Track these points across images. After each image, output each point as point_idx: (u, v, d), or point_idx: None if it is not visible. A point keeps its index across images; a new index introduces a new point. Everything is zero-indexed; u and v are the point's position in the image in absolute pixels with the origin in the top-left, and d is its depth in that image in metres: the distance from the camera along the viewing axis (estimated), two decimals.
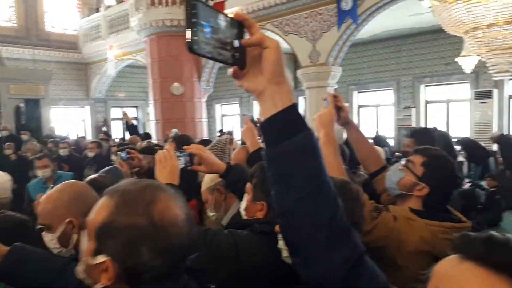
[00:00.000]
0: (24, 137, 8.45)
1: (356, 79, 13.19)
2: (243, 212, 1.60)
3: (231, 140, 3.06)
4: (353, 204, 1.16)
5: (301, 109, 14.82)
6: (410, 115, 12.06)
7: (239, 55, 0.74)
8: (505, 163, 7.94)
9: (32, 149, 7.71)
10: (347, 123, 1.81)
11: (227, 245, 1.23)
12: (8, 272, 1.19)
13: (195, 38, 0.66)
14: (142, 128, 15.50)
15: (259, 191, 1.41)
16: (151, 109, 10.87)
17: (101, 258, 0.79)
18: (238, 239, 1.26)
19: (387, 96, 12.93)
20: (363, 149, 1.86)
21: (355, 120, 13.05)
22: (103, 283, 0.79)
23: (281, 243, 1.09)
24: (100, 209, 0.82)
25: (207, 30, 0.67)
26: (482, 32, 2.95)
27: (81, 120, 15.11)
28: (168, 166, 1.51)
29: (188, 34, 0.65)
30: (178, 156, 1.60)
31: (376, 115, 13.41)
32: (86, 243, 0.84)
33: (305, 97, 12.19)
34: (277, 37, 9.10)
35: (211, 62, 10.31)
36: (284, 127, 0.75)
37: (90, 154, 6.47)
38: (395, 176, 1.61)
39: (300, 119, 0.78)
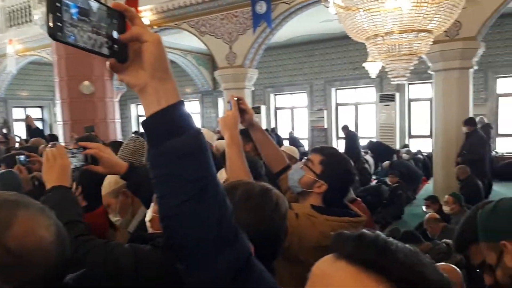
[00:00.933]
0: None
1: (272, 82, 13.53)
2: (148, 224, 1.52)
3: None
4: (273, 213, 1.11)
5: (220, 111, 14.83)
6: (323, 117, 12.71)
7: (118, 48, 0.69)
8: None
9: None
10: (251, 125, 1.83)
11: (126, 262, 1.14)
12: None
13: (59, 24, 0.58)
14: (49, 130, 14.38)
15: None
16: (58, 110, 10.10)
17: None
18: (139, 254, 1.17)
19: (301, 99, 13.45)
20: (268, 150, 1.90)
21: (272, 122, 13.40)
22: None
23: None
24: None
25: (75, 16, 0.60)
26: (382, 39, 3.16)
27: None
28: (57, 165, 1.34)
29: (50, 19, 0.58)
30: (72, 155, 1.45)
31: (292, 117, 13.89)
32: None
33: (223, 98, 12.23)
34: (193, 38, 8.99)
35: None
36: (168, 126, 0.71)
37: None
38: (296, 175, 1.67)
39: (186, 118, 0.74)
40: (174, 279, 1.10)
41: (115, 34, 0.68)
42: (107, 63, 0.72)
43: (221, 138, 7.50)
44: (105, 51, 0.67)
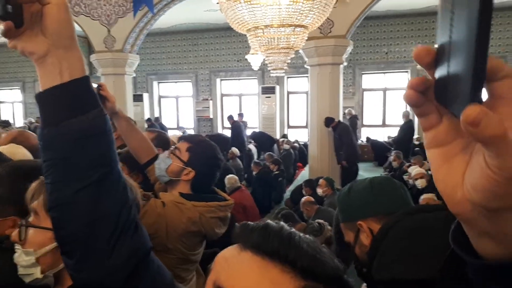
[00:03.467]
0: None
1: (155, 69, 13.11)
2: None
3: None
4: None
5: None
6: (208, 107, 12.75)
7: (12, 9, 0.58)
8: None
9: None
10: (115, 114, 1.72)
11: None
12: None
13: None
14: None
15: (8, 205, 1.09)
16: None
17: None
18: None
19: (186, 88, 13.29)
20: (134, 140, 1.81)
21: (155, 110, 13.01)
22: None
23: (16, 256, 0.90)
24: None
25: None
26: (262, 32, 3.26)
27: None
28: None
29: None
30: None
31: (177, 106, 13.65)
32: None
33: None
34: None
35: None
36: (71, 103, 0.63)
37: None
38: (163, 164, 1.64)
39: (92, 95, 0.66)
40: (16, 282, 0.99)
41: None
42: (0, 27, 0.60)
43: None
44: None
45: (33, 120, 11.13)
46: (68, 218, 0.67)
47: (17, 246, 0.85)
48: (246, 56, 9.48)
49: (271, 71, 3.79)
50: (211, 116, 12.84)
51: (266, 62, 3.63)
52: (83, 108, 0.64)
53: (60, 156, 0.65)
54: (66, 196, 0.65)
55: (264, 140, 10.26)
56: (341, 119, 7.21)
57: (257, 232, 0.53)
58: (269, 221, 0.57)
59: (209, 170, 1.66)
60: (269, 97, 11.97)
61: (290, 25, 3.05)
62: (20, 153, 1.67)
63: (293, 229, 0.55)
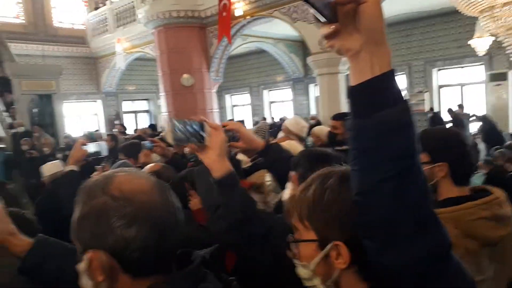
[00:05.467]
0: (35, 134, 8.52)
1: None
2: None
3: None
4: None
5: (312, 97, 14.72)
6: (424, 100, 11.88)
7: (330, 12, 0.66)
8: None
9: (48, 144, 7.82)
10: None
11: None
12: (32, 267, 1.10)
13: None
14: (153, 120, 15.61)
15: None
16: (162, 101, 10.89)
17: (86, 257, 0.75)
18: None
19: (399, 81, 12.72)
20: None
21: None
22: (99, 280, 0.74)
23: (297, 269, 0.92)
24: (73, 216, 0.79)
25: None
26: (499, 11, 2.87)
27: (93, 114, 15.25)
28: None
29: None
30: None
31: None
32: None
33: (315, 85, 12.10)
34: (284, 25, 9.00)
35: (219, 52, 10.27)
36: (380, 96, 0.66)
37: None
38: None
39: (398, 88, 0.68)
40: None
41: None
42: (321, 30, 0.69)
43: (317, 123, 7.42)
44: (325, 10, 0.65)
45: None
46: (372, 204, 0.69)
47: (296, 261, 0.89)
48: (470, 41, 8.46)
49: (511, 55, 3.28)
50: (427, 109, 11.93)
51: (504, 45, 3.16)
52: (391, 101, 0.66)
53: (367, 146, 0.67)
54: (371, 184, 0.68)
55: (493, 134, 8.93)
56: None
57: None
58: None
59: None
60: (499, 84, 10.34)
61: None
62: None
63: None
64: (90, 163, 3.16)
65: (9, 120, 9.64)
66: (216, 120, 10.50)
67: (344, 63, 8.35)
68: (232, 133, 1.59)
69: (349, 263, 0.80)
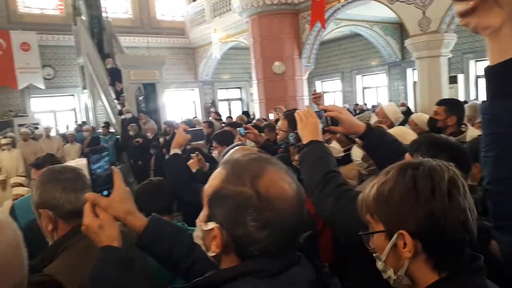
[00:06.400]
0: (142, 120, 9.29)
1: (472, 46, 11.91)
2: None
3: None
4: None
5: (409, 83, 13.86)
6: None
7: None
8: None
9: (151, 129, 8.51)
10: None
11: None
12: (148, 241, 1.16)
13: None
14: (246, 108, 16.06)
15: None
16: (254, 89, 11.15)
17: (210, 225, 0.79)
18: None
19: None
20: None
21: (471, 91, 11.87)
22: (213, 251, 0.79)
23: (377, 263, 0.95)
24: (214, 178, 0.82)
25: None
26: None
27: (191, 102, 16.19)
28: (309, 123, 1.52)
29: None
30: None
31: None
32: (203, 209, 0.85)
33: (414, 69, 11.41)
34: (381, 7, 8.59)
35: (311, 38, 10.17)
36: None
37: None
38: None
39: None
40: None
41: None
42: (459, 6, 0.64)
43: (408, 110, 7.02)
44: None
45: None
46: (508, 193, 0.65)
47: (374, 254, 0.91)
48: None
49: None
50: None
51: None
52: None
53: (506, 130, 0.63)
54: (508, 171, 0.64)
55: None
56: None
57: None
58: None
59: None
60: None
61: None
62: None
63: None
64: (187, 150, 3.38)
65: (119, 107, 10.66)
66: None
67: (447, 45, 7.75)
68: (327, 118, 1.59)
69: (414, 251, 0.80)
